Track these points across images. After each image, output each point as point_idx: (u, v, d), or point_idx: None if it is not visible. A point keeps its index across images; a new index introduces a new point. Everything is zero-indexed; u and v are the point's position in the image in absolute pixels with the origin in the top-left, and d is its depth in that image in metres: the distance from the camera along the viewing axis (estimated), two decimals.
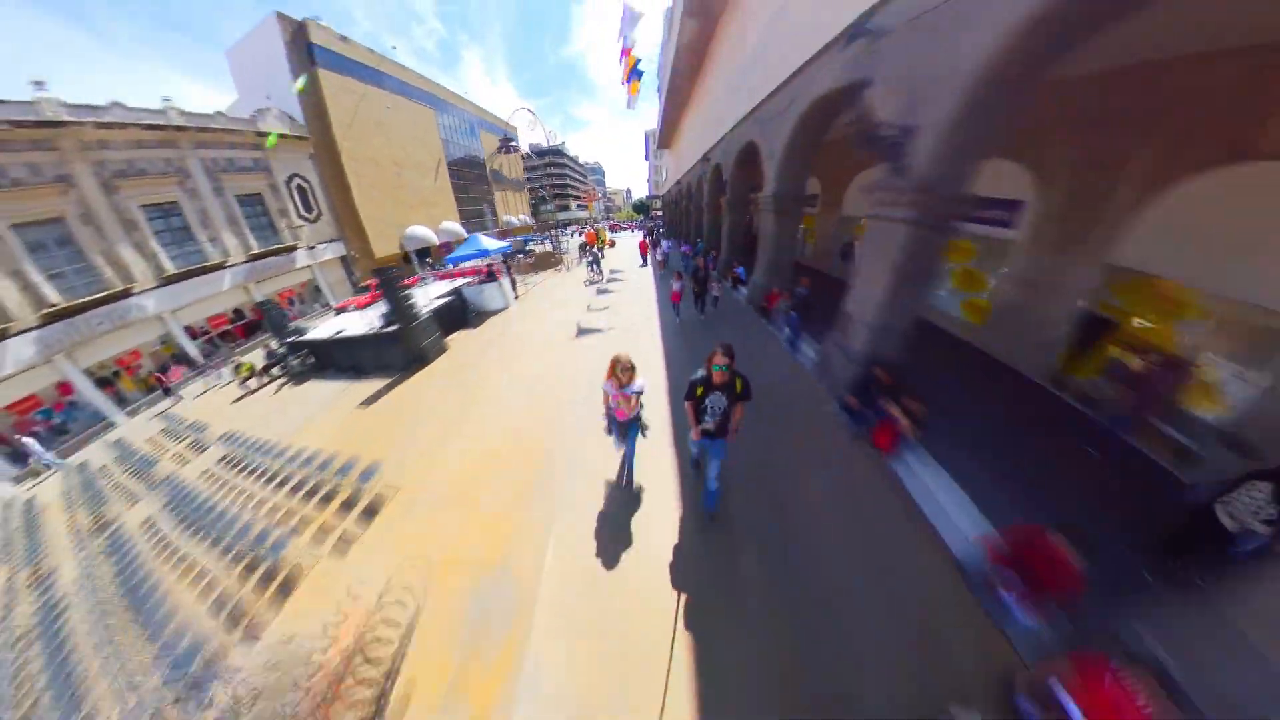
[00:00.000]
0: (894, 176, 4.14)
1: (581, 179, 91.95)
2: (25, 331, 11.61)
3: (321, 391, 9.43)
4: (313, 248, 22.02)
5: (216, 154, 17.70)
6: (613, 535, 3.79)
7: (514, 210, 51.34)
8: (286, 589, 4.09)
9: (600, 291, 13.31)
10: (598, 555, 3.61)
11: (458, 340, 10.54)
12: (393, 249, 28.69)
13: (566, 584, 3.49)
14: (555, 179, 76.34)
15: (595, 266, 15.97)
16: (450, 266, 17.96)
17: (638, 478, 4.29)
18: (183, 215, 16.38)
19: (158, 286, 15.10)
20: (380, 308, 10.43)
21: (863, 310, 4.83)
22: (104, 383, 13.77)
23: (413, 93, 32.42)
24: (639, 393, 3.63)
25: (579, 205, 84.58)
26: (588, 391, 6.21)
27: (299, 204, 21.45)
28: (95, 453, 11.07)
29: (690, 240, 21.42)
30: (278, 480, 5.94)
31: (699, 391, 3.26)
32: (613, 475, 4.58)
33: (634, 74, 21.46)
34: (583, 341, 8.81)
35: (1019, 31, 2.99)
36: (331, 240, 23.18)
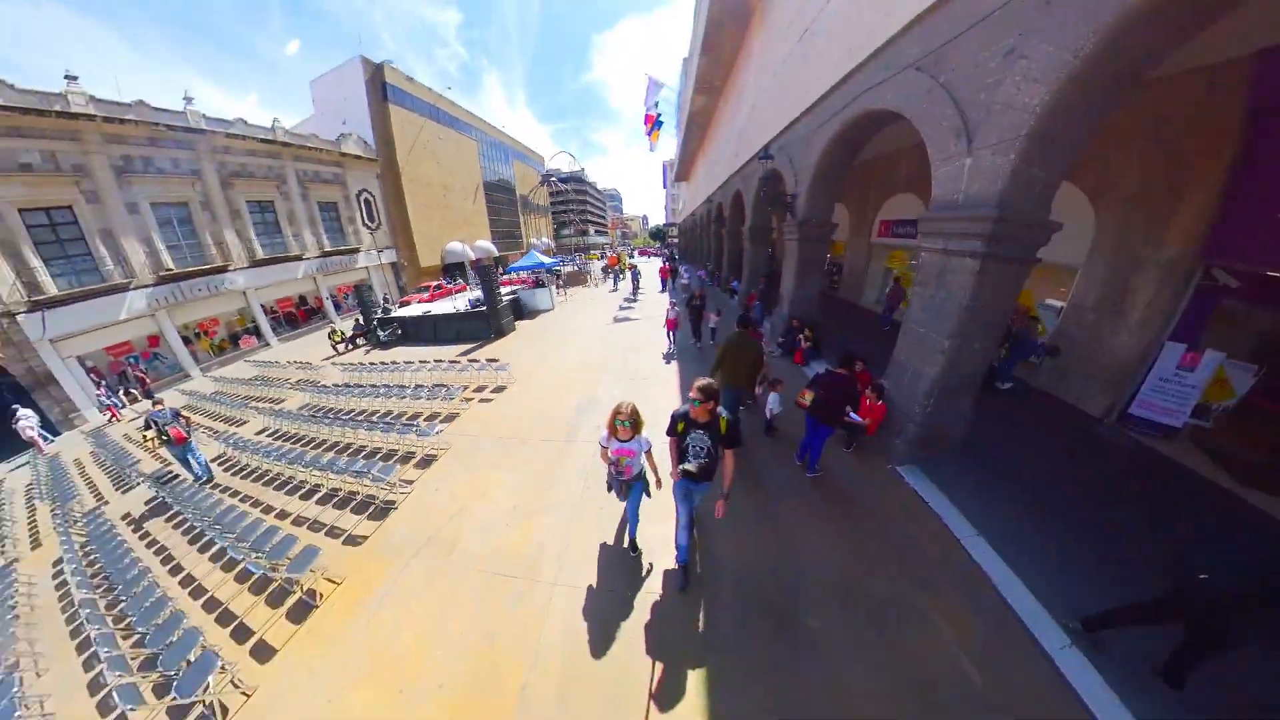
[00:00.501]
0: (791, 219, 8.23)
1: (600, 205, 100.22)
2: (142, 287, 14.90)
3: (411, 352, 12.81)
4: (381, 250, 26.94)
5: (307, 166, 22.41)
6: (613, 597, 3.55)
7: (539, 234, 57.40)
8: (451, 419, 7.65)
9: (627, 299, 17.43)
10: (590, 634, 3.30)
11: (521, 325, 14.46)
12: (435, 260, 33.52)
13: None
14: (577, 205, 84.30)
15: (634, 284, 19.26)
16: (509, 276, 22.56)
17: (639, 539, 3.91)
18: (275, 212, 20.66)
19: (248, 267, 18.97)
20: (453, 300, 15.11)
21: (786, 290, 8.97)
22: (185, 341, 17.06)
23: (460, 125, 38.35)
24: (647, 450, 3.33)
25: (598, 231, 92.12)
26: (623, 349, 9.93)
27: (364, 214, 26.02)
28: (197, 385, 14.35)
29: (704, 264, 25.70)
30: (412, 385, 8.86)
31: (680, 428, 3.08)
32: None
33: (656, 124, 27.04)
34: (619, 325, 12.81)
35: (830, 143, 6.82)
36: (387, 248, 27.79)
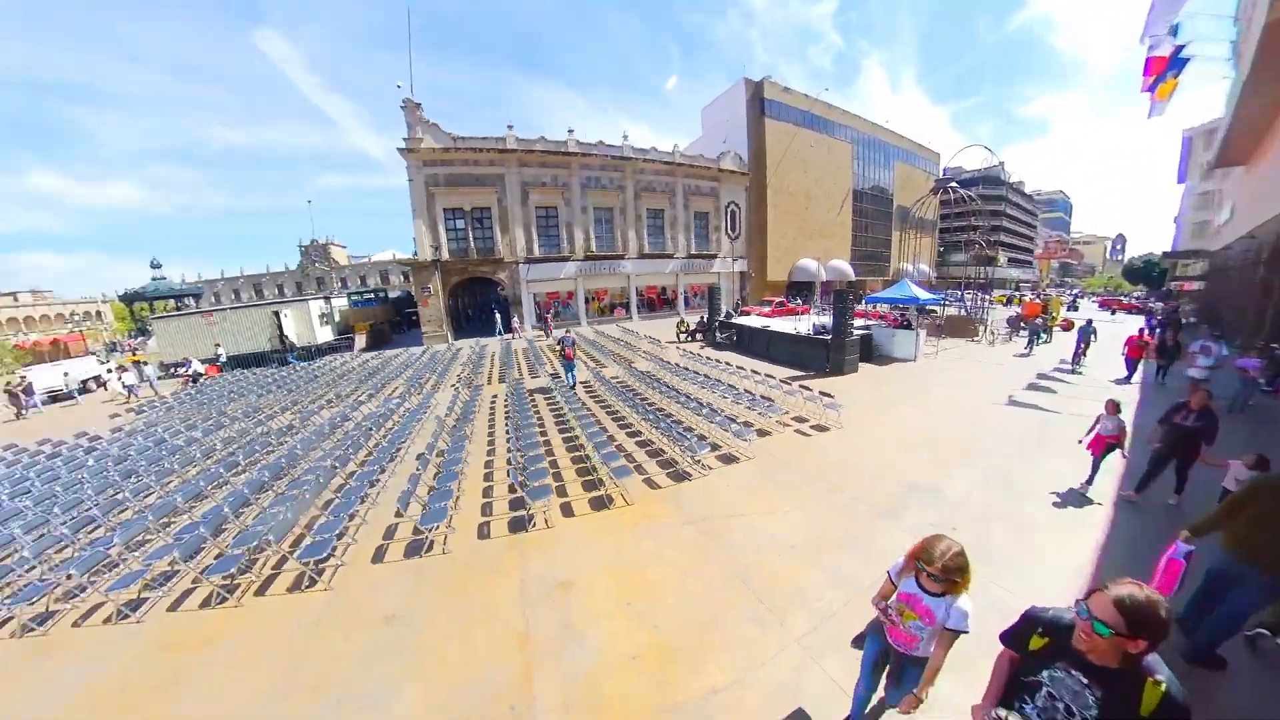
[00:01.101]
0: None
1: (1026, 219, 79.49)
2: (575, 260, 26.19)
3: (740, 359, 14.59)
4: (735, 259, 32.90)
5: (691, 181, 30.19)
6: None
7: (916, 257, 51.98)
8: (764, 434, 8.34)
9: (1047, 375, 12.54)
10: None
11: (864, 369, 13.72)
12: (781, 275, 37.00)
13: None
14: (985, 218, 70.47)
15: (1076, 352, 14.02)
16: (865, 307, 22.25)
17: None
18: (662, 218, 29.21)
19: (636, 258, 28.31)
20: (795, 321, 16.81)
21: None
22: (585, 301, 27.77)
23: (834, 128, 39.81)
24: (956, 631, 2.24)
25: (1014, 259, 73.01)
26: (1011, 448, 7.39)
27: (728, 224, 32.08)
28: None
29: (1251, 341, 14.52)
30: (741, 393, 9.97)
31: (1035, 644, 1.92)
32: None
33: (1172, 67, 16.19)
34: (1016, 411, 9.40)
35: None
36: (740, 258, 33.40)
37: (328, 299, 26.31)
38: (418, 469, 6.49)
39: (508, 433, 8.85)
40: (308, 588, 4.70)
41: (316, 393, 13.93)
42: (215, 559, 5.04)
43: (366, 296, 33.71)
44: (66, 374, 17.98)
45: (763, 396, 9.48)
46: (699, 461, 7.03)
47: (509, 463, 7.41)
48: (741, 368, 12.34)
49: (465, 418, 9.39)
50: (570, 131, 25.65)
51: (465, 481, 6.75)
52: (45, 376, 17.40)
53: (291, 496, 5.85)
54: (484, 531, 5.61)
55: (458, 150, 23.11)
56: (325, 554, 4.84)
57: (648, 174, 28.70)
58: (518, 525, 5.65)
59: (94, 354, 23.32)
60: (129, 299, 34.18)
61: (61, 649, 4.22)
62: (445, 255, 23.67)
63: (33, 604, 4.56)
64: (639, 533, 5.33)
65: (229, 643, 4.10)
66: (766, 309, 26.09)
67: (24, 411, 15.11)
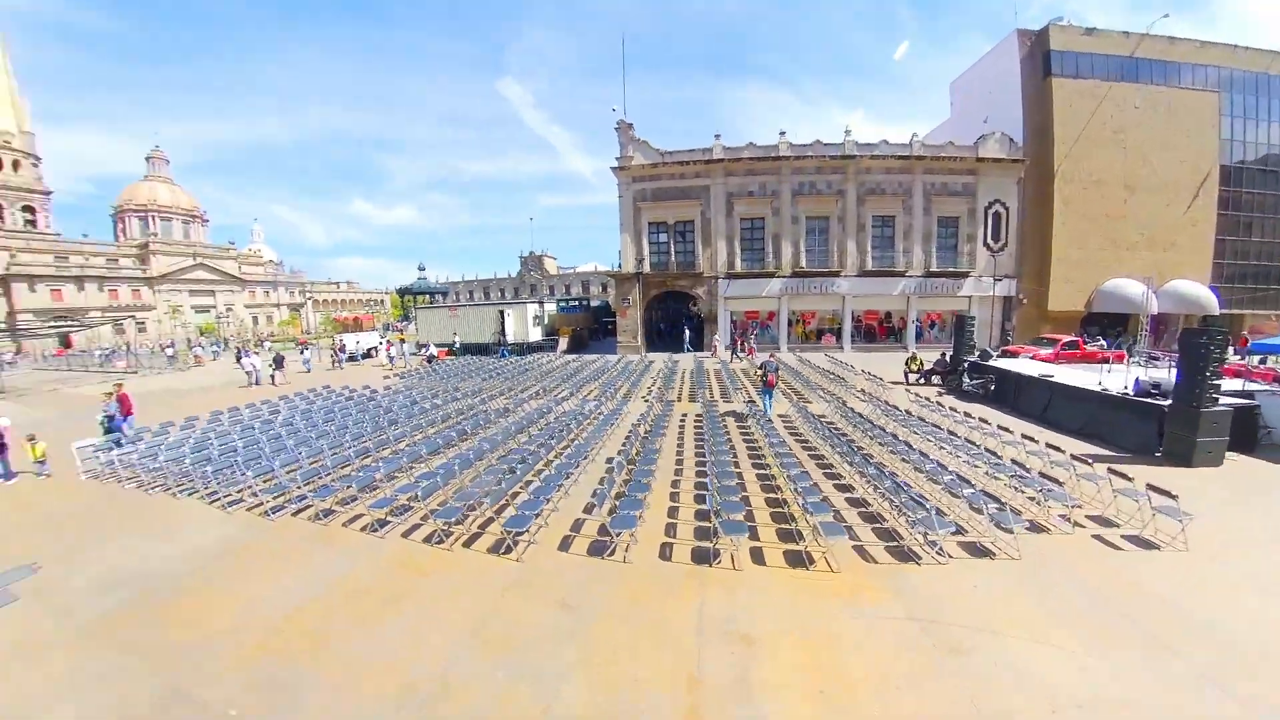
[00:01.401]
0: None
1: None
2: (780, 277, 25.70)
3: (999, 417, 12.04)
4: (997, 279, 26.21)
5: (936, 178, 26.40)
6: None
7: None
8: (1037, 529, 6.51)
9: None
10: None
11: (1237, 461, 9.69)
12: (1073, 304, 28.48)
13: None
14: None
15: None
16: (1246, 361, 15.93)
17: None
18: (894, 227, 26.24)
19: (856, 276, 26.03)
20: (1099, 372, 12.45)
21: None
22: (788, 324, 27.09)
23: (1180, 72, 29.14)
24: None
25: None
26: None
27: (990, 231, 26.98)
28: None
29: None
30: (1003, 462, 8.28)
31: None
32: None
33: None
34: None
35: None
36: (1005, 277, 27.02)
37: (540, 303, 31.83)
38: (610, 471, 7.11)
39: (698, 454, 9.16)
40: (504, 554, 5.55)
41: (527, 384, 16.89)
42: (440, 505, 6.37)
43: (571, 303, 39.94)
44: (358, 342, 28.09)
45: (1042, 474, 7.41)
46: (934, 543, 5.89)
47: (698, 486, 7.61)
48: (1005, 429, 10.06)
49: (656, 431, 10.11)
50: (782, 133, 25.51)
51: (651, 496, 7.03)
52: (347, 342, 27.48)
53: (502, 470, 7.05)
54: (665, 552, 5.78)
55: (665, 165, 25.32)
56: (524, 529, 5.66)
57: (875, 173, 26.32)
58: (701, 556, 5.67)
59: (376, 330, 33.98)
60: (402, 292, 45.89)
61: (334, 541, 6.10)
62: (647, 268, 25.94)
63: (324, 501, 6.67)
64: (843, 609, 4.80)
65: (441, 578, 5.19)
66: (1047, 350, 20.24)
67: (338, 364, 24.78)
